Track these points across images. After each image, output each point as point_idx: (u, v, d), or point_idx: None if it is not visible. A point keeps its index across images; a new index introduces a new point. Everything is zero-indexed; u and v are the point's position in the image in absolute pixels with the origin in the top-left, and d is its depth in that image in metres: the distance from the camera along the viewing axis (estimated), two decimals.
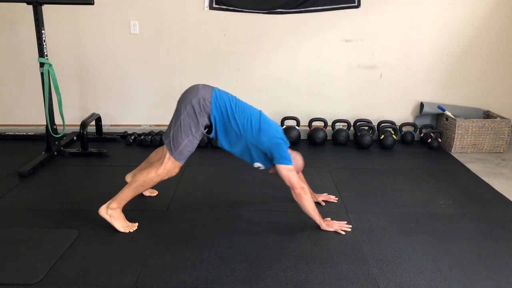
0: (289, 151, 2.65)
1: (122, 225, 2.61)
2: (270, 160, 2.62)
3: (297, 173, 2.71)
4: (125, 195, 2.59)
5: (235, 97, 2.65)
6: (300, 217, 2.78)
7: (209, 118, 2.52)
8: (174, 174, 2.58)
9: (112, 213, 2.59)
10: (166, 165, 2.53)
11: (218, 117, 2.53)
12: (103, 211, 2.60)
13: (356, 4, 4.22)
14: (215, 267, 2.26)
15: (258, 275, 2.20)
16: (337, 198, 3.10)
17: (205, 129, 2.55)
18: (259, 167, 2.71)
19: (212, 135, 2.59)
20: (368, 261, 2.34)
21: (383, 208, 2.97)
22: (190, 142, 2.52)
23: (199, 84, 2.60)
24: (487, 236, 2.62)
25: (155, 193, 3.10)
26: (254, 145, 2.57)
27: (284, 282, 2.15)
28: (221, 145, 2.65)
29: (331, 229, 2.63)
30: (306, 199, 2.58)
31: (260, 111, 2.67)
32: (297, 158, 2.72)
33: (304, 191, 2.58)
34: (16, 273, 2.18)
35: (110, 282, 2.13)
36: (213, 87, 2.60)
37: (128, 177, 3.03)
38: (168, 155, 2.52)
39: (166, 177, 2.57)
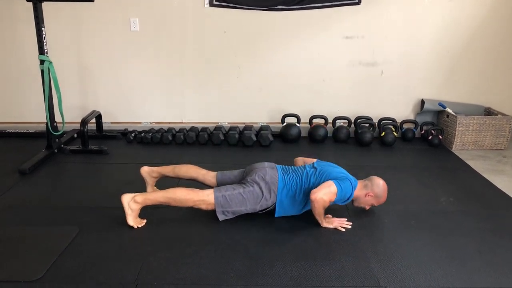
0: (378, 179, 2.74)
1: (134, 221, 2.60)
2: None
3: (376, 201, 2.76)
4: (155, 198, 2.61)
5: (296, 167, 2.78)
6: (301, 215, 2.78)
7: (273, 201, 2.65)
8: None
9: (133, 206, 2.59)
10: (205, 203, 2.61)
11: (284, 196, 2.66)
12: (126, 200, 2.58)
13: (356, 1, 4.20)
14: (215, 264, 2.26)
15: (258, 272, 2.20)
16: None
17: (264, 209, 2.67)
18: None
19: (276, 214, 2.71)
20: (369, 257, 2.34)
21: (383, 205, 2.96)
22: (239, 211, 2.65)
23: (266, 166, 2.73)
24: (488, 233, 2.62)
25: None
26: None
27: (284, 279, 2.15)
28: (286, 214, 2.73)
29: (331, 226, 2.63)
30: (316, 208, 2.56)
31: (316, 163, 2.81)
32: (380, 185, 2.73)
33: (317, 203, 2.53)
34: (17, 270, 2.18)
35: (111, 279, 2.13)
36: (277, 169, 2.73)
37: (143, 169, 2.95)
38: (213, 199, 2.59)
39: (196, 206, 2.63)
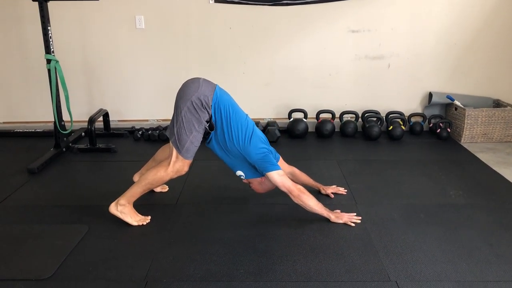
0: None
1: (135, 219, 2.61)
2: (259, 173, 2.63)
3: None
4: (134, 192, 2.59)
5: (233, 99, 2.65)
6: (309, 212, 2.77)
7: (209, 114, 2.52)
8: (183, 172, 2.57)
9: (122, 209, 2.59)
10: (175, 164, 2.52)
11: (216, 117, 2.53)
12: (113, 209, 2.60)
13: None
14: (224, 260, 2.27)
15: (268, 268, 2.20)
16: (346, 190, 3.08)
17: (207, 123, 2.53)
18: (240, 175, 2.72)
19: (213, 132, 2.57)
20: (378, 252, 2.33)
21: (392, 200, 2.96)
22: (194, 138, 2.51)
23: (200, 79, 2.57)
24: (498, 226, 2.59)
25: (166, 188, 3.10)
26: (241, 154, 2.57)
27: (294, 275, 2.15)
28: (212, 147, 2.65)
29: (341, 221, 2.62)
30: (306, 198, 2.56)
31: (253, 123, 2.66)
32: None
33: (301, 191, 2.55)
34: (27, 269, 2.20)
35: (121, 277, 2.14)
36: (215, 85, 2.58)
37: (135, 177, 3.01)
38: (175, 153, 2.51)
39: (176, 176, 2.56)
